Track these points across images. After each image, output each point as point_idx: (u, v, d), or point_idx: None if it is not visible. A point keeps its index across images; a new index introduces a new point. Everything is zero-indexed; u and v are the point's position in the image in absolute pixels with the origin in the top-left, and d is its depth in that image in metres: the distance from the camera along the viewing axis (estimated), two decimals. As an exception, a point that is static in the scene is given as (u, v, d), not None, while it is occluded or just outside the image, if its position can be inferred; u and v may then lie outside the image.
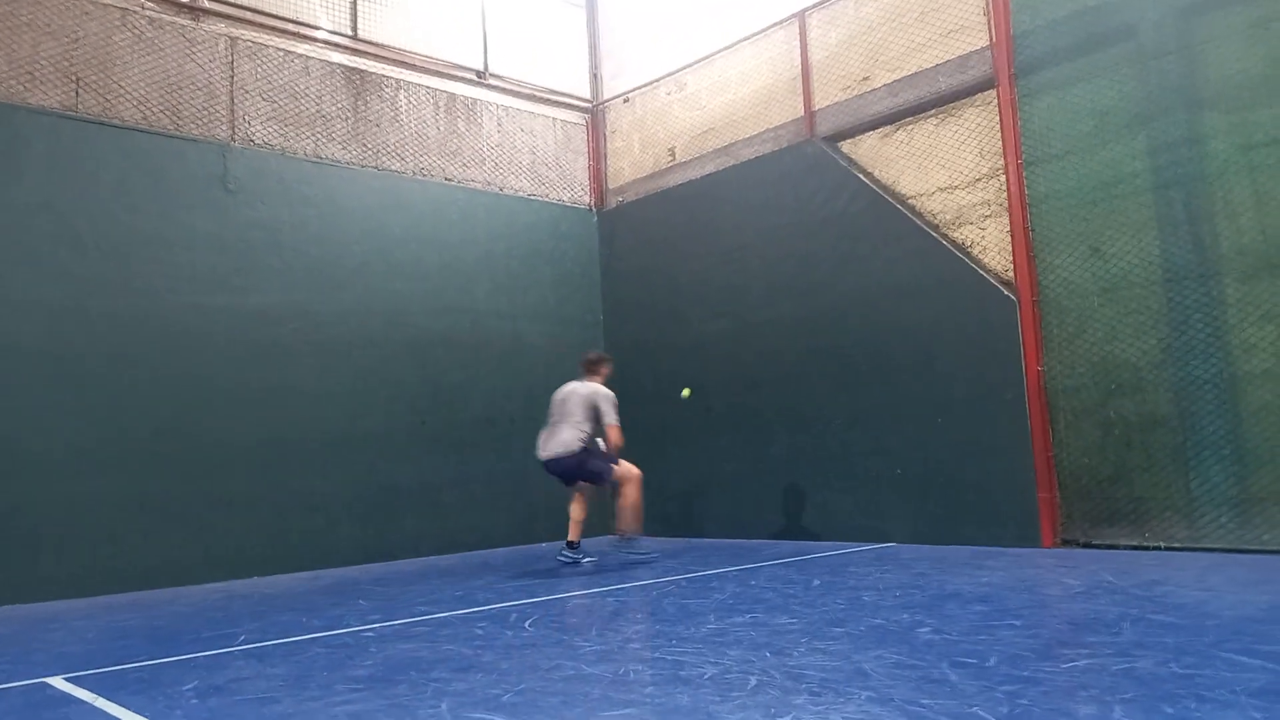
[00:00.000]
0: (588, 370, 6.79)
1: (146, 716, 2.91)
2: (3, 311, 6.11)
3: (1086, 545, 5.97)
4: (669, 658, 3.38)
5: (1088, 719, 2.38)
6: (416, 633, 4.20)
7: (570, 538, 6.63)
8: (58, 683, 3.49)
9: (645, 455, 8.86)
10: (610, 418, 6.54)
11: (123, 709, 3.02)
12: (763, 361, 7.92)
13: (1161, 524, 5.70)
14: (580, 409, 6.53)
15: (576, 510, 6.69)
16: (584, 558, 6.67)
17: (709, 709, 2.66)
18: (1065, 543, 6.07)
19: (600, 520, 8.12)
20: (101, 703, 3.13)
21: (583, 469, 6.49)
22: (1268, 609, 3.70)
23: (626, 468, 6.53)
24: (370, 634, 4.24)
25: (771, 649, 3.44)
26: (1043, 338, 6.24)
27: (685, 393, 7.42)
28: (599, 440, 6.61)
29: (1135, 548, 5.74)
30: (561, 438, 6.51)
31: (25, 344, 6.16)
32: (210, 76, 7.28)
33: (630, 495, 6.51)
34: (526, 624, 4.27)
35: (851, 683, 2.88)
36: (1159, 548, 5.65)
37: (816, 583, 5.09)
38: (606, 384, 6.75)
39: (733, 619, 4.11)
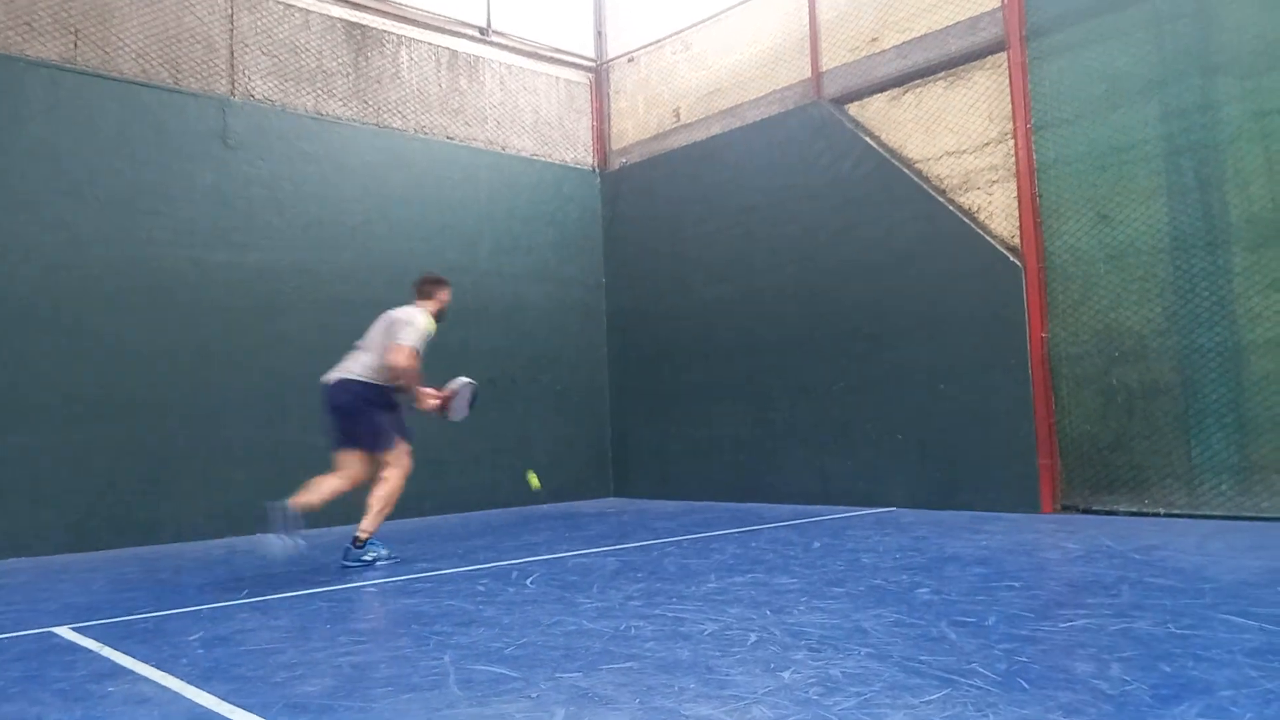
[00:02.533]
0: (417, 293, 5.29)
1: (152, 664, 2.94)
2: (0, 259, 6.08)
3: (1086, 511, 6.00)
4: (669, 615, 3.40)
5: (1085, 676, 2.40)
6: (419, 588, 4.23)
7: (294, 502, 4.63)
8: (64, 632, 3.53)
9: (647, 419, 8.90)
10: (403, 337, 4.89)
11: (129, 657, 3.05)
12: (765, 325, 7.90)
13: (1162, 491, 5.72)
14: (381, 334, 5.02)
15: (324, 485, 4.85)
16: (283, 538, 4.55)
17: (709, 663, 2.69)
18: (1065, 508, 6.10)
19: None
20: (108, 651, 3.16)
21: (359, 419, 4.89)
22: (1265, 573, 3.73)
23: (401, 451, 5.03)
24: (372, 589, 4.28)
25: (771, 607, 3.46)
26: (1047, 304, 6.22)
27: (534, 483, 6.42)
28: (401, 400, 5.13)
29: (1135, 514, 5.77)
30: (348, 364, 5.02)
31: (23, 293, 6.14)
32: (210, 30, 7.18)
33: (390, 484, 4.96)
34: (528, 581, 4.30)
35: (850, 639, 2.90)
36: (1159, 514, 5.68)
37: (816, 545, 5.13)
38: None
39: (733, 579, 4.14)
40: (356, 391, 4.92)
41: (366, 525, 4.93)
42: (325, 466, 7.41)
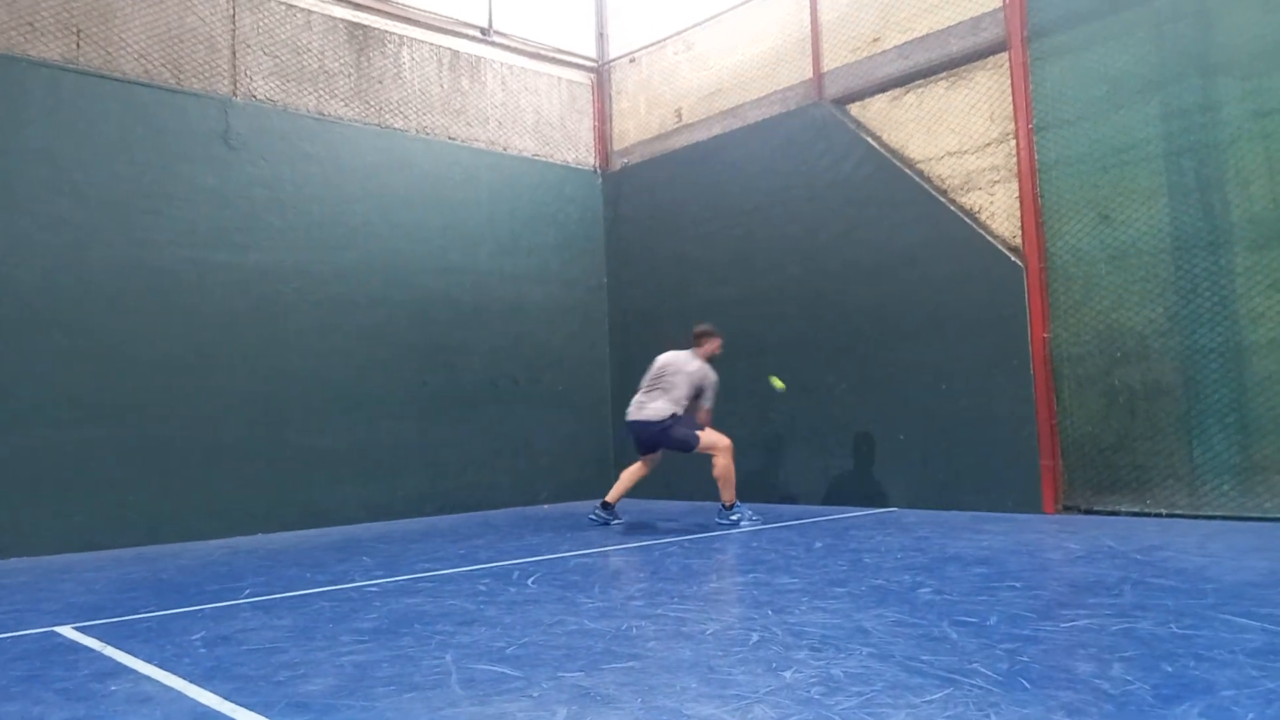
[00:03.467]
0: (696, 343, 6.60)
1: (155, 664, 2.94)
2: (1, 261, 6.09)
3: (1088, 511, 6.00)
4: (671, 614, 3.41)
5: (1087, 676, 2.40)
6: (420, 588, 4.23)
7: (609, 498, 6.60)
8: (67, 631, 3.53)
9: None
10: (711, 403, 6.55)
11: (131, 657, 3.05)
12: (767, 326, 7.90)
13: (1164, 491, 5.72)
14: (686, 386, 6.42)
15: (630, 474, 6.61)
16: (614, 520, 6.61)
17: (711, 663, 2.69)
18: (1067, 509, 6.10)
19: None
20: (110, 651, 3.16)
21: (667, 435, 6.37)
22: (1267, 574, 3.73)
23: (715, 436, 6.40)
24: (374, 589, 4.28)
25: (773, 607, 3.46)
26: (1049, 305, 6.22)
27: (778, 384, 7.01)
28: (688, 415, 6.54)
29: (1137, 514, 5.76)
30: (656, 405, 6.40)
31: (24, 293, 6.14)
32: (211, 30, 7.19)
33: (720, 464, 6.35)
34: (529, 581, 4.30)
35: (852, 639, 2.90)
36: (1161, 515, 5.68)
37: (818, 545, 5.13)
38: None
39: (734, 578, 4.14)
40: (655, 429, 6.42)
41: (727, 498, 6.46)
42: (324, 465, 7.46)
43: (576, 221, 9.26)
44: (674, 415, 6.38)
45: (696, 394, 6.48)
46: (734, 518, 6.38)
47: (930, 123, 7.01)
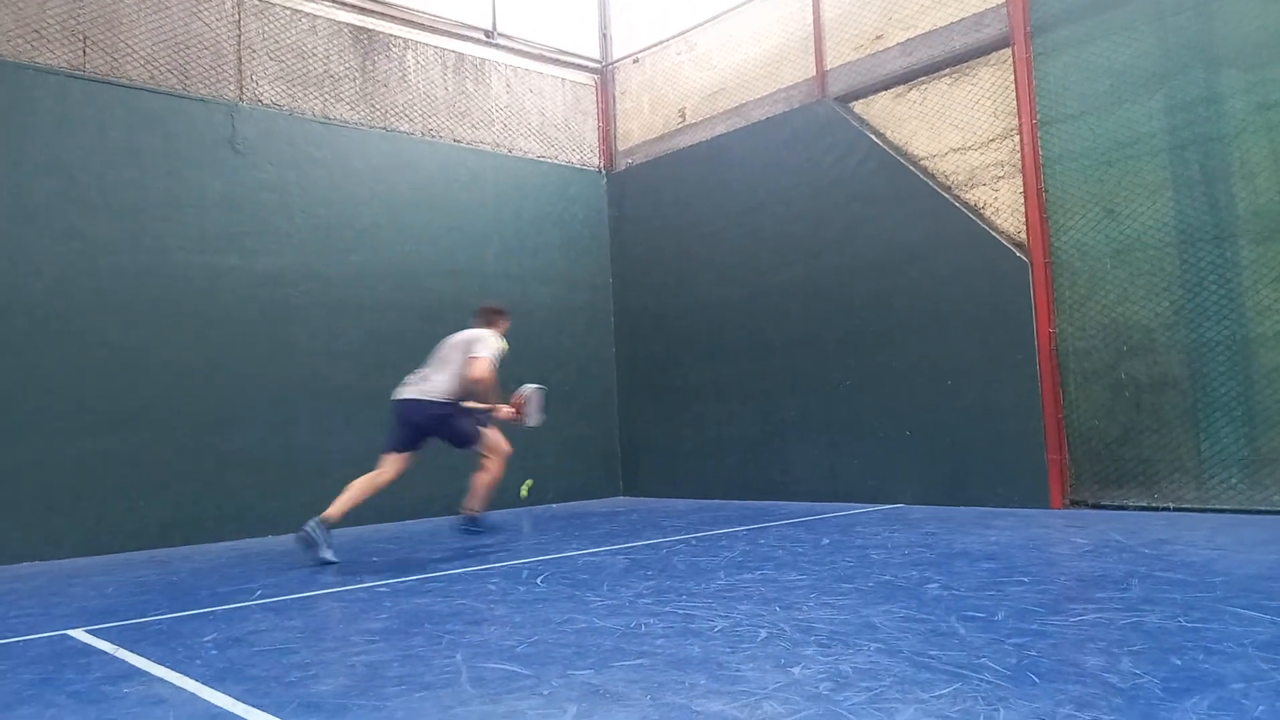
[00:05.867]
0: (484, 320, 5.83)
1: (167, 666, 2.96)
2: (12, 269, 6.13)
3: (1095, 506, 5.99)
4: (679, 612, 3.42)
5: (1096, 670, 2.41)
6: (430, 588, 4.25)
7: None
8: (79, 634, 3.56)
9: (655, 418, 8.92)
10: (479, 351, 5.44)
11: (144, 659, 3.08)
12: (773, 324, 7.91)
13: (1171, 485, 5.71)
14: (458, 352, 5.52)
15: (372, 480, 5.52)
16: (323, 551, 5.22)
17: (720, 659, 2.70)
18: (1074, 503, 6.09)
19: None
20: (123, 653, 3.19)
21: (444, 425, 5.47)
22: (1276, 567, 3.72)
23: (496, 439, 5.67)
24: (384, 589, 4.30)
25: (781, 604, 3.47)
26: (1054, 300, 6.21)
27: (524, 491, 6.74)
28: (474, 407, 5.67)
29: (1144, 509, 5.75)
30: (426, 384, 5.49)
31: (35, 301, 6.18)
32: (217, 35, 7.22)
33: (491, 471, 5.67)
34: (538, 580, 4.32)
35: (860, 635, 2.91)
36: (1168, 509, 5.67)
37: (825, 541, 5.13)
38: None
39: (742, 575, 4.15)
40: (431, 412, 5.46)
41: (476, 507, 5.86)
42: (333, 468, 7.46)
43: (582, 222, 9.28)
44: (452, 401, 5.48)
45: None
46: (478, 530, 5.92)
47: (934, 119, 7.01)
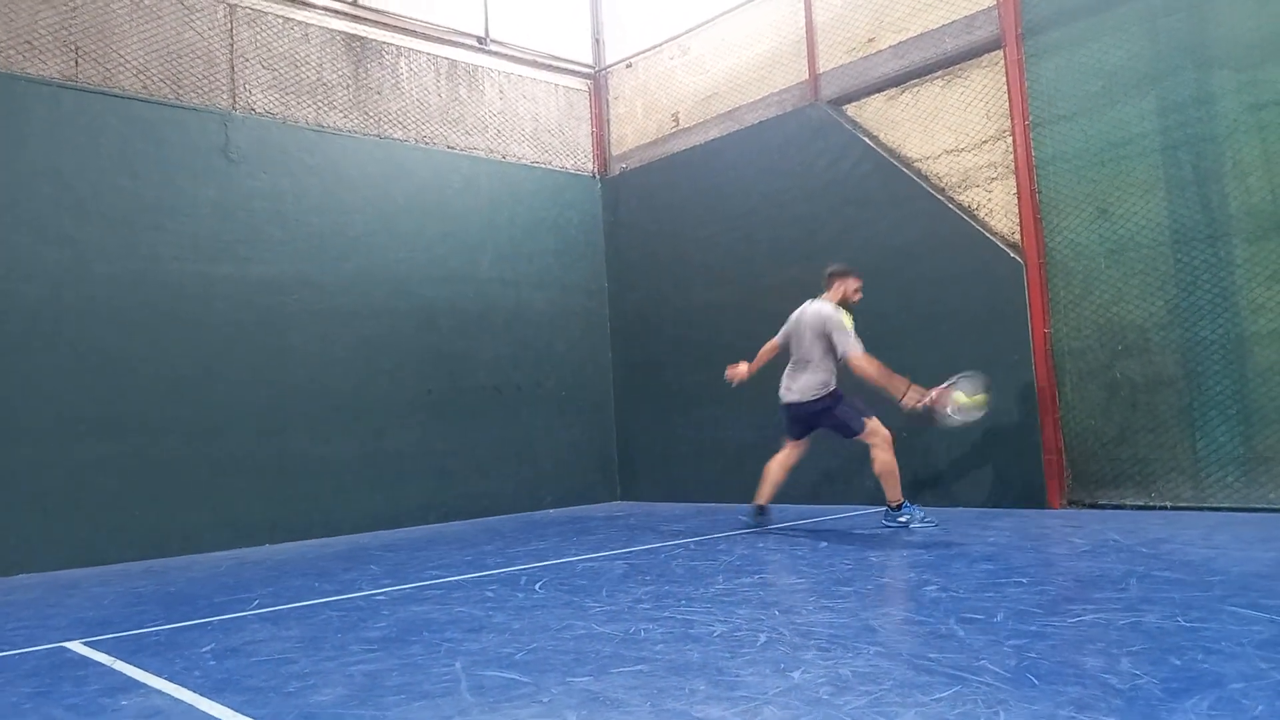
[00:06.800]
0: (826, 285, 5.89)
1: (165, 677, 2.95)
2: (6, 277, 6.11)
3: (1092, 506, 6.00)
4: (678, 617, 3.41)
5: (1095, 671, 2.41)
6: (428, 596, 4.24)
7: (759, 499, 6.08)
8: (76, 646, 3.54)
9: (651, 422, 8.92)
10: (847, 345, 5.53)
11: (141, 671, 3.06)
12: (768, 327, 7.85)
13: (1168, 484, 5.72)
14: (816, 346, 5.66)
15: (776, 467, 5.99)
16: (756, 522, 6.05)
17: (719, 664, 2.70)
18: (1071, 503, 6.10)
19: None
20: (120, 665, 3.17)
21: (827, 415, 5.67)
22: (1274, 565, 3.73)
23: (875, 425, 5.69)
24: (382, 597, 4.29)
25: (780, 607, 3.47)
26: (1049, 300, 6.22)
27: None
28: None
29: (1141, 508, 5.77)
30: (801, 383, 5.73)
31: (28, 310, 6.16)
32: (210, 44, 7.22)
33: (880, 458, 5.69)
34: (536, 586, 4.31)
35: (860, 638, 2.91)
36: (1165, 507, 5.68)
37: (823, 544, 5.13)
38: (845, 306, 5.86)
39: (741, 580, 4.15)
40: (813, 408, 5.75)
41: (892, 497, 5.75)
42: (331, 476, 7.46)
43: (576, 227, 9.28)
44: (830, 392, 5.67)
45: (831, 346, 5.67)
46: (902, 519, 5.75)
47: (927, 121, 7.03)
